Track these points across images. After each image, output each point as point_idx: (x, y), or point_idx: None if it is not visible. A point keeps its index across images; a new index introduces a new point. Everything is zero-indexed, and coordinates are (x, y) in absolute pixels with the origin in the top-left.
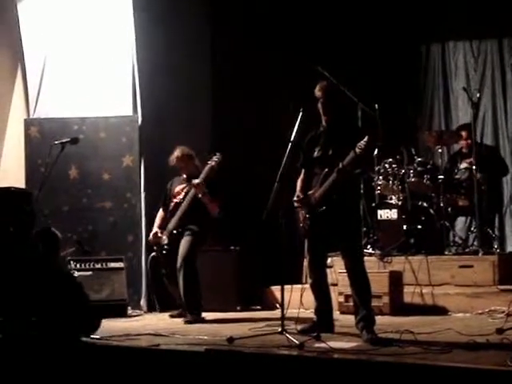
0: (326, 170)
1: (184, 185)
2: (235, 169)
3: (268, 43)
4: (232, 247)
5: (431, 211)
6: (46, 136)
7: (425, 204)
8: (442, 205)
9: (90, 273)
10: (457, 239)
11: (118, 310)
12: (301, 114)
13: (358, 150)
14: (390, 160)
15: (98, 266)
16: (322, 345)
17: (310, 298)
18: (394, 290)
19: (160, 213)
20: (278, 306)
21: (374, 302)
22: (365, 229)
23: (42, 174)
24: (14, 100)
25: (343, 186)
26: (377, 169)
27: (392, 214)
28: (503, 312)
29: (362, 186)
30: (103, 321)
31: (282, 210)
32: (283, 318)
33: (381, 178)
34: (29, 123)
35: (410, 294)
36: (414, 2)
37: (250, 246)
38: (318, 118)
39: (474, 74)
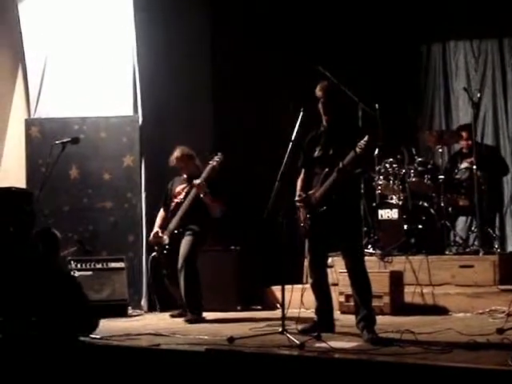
0: (327, 169)
1: (185, 185)
2: (235, 169)
3: (268, 43)
4: (232, 247)
5: (432, 211)
6: (46, 136)
7: (425, 204)
8: (442, 205)
9: (90, 273)
10: (457, 239)
11: (119, 309)
12: (301, 113)
13: (358, 150)
14: (391, 160)
15: (99, 265)
16: (323, 345)
17: (310, 297)
18: (395, 289)
19: (161, 213)
20: (278, 305)
21: (375, 302)
22: (365, 229)
23: (42, 174)
24: (14, 100)
25: (344, 186)
26: (377, 168)
27: (392, 214)
28: (504, 312)
29: (362, 185)
30: (104, 321)
31: (282, 209)
32: (284, 317)
33: (381, 177)
34: (29, 123)
35: (410, 294)
36: (415, 2)
37: (250, 246)
38: (319, 117)
39: (474, 74)
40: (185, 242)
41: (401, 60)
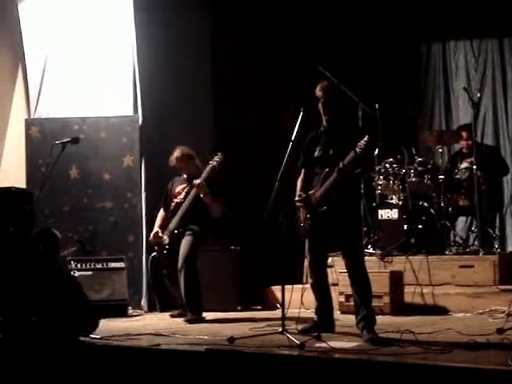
0: (327, 169)
1: (185, 185)
2: (235, 169)
3: (268, 43)
4: (232, 247)
5: (432, 211)
6: (46, 136)
7: (425, 204)
8: (442, 205)
9: (90, 273)
10: (457, 239)
11: (119, 309)
12: (301, 113)
13: (358, 150)
14: (391, 160)
15: (99, 265)
16: (323, 345)
17: (310, 297)
18: (395, 289)
19: (161, 213)
20: (278, 305)
21: (375, 302)
22: (365, 229)
23: (42, 174)
24: (14, 100)
25: (344, 186)
26: (377, 168)
27: (393, 214)
28: (504, 312)
29: (362, 185)
30: (104, 321)
31: (282, 209)
32: (284, 317)
33: (381, 177)
34: (29, 123)
35: (410, 294)
36: (415, 2)
37: (250, 246)
38: (319, 118)
39: (474, 74)
40: (185, 242)
41: (401, 60)
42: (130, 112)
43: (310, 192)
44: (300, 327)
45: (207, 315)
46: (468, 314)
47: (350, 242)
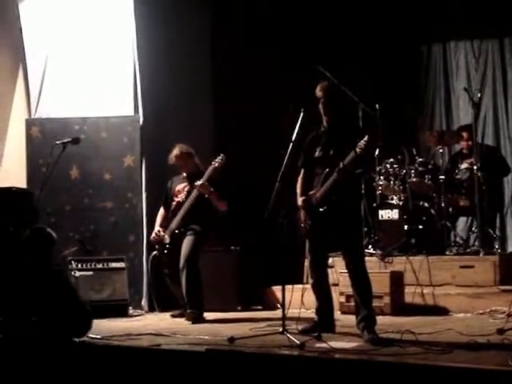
0: (327, 170)
1: (185, 183)
2: (235, 169)
3: (268, 43)
4: (233, 247)
5: (432, 211)
6: (47, 136)
7: (426, 204)
8: (443, 205)
9: (91, 273)
10: (458, 239)
11: (119, 309)
12: (301, 114)
13: (358, 150)
14: (391, 160)
15: (100, 265)
16: (323, 345)
17: (311, 297)
18: (395, 290)
19: (161, 211)
20: (278, 305)
21: (375, 302)
22: (366, 229)
23: (43, 174)
24: (15, 100)
25: (344, 186)
26: (378, 169)
27: (393, 214)
28: (504, 312)
29: (363, 186)
30: (104, 321)
31: (283, 209)
32: (284, 318)
33: (382, 178)
34: (30, 123)
35: (410, 294)
36: (415, 2)
37: (250, 246)
38: (319, 118)
39: (475, 74)
40: (186, 242)
41: (401, 60)
42: (131, 112)
43: (311, 192)
44: (300, 327)
45: (207, 315)
46: (468, 314)
47: (351, 243)
